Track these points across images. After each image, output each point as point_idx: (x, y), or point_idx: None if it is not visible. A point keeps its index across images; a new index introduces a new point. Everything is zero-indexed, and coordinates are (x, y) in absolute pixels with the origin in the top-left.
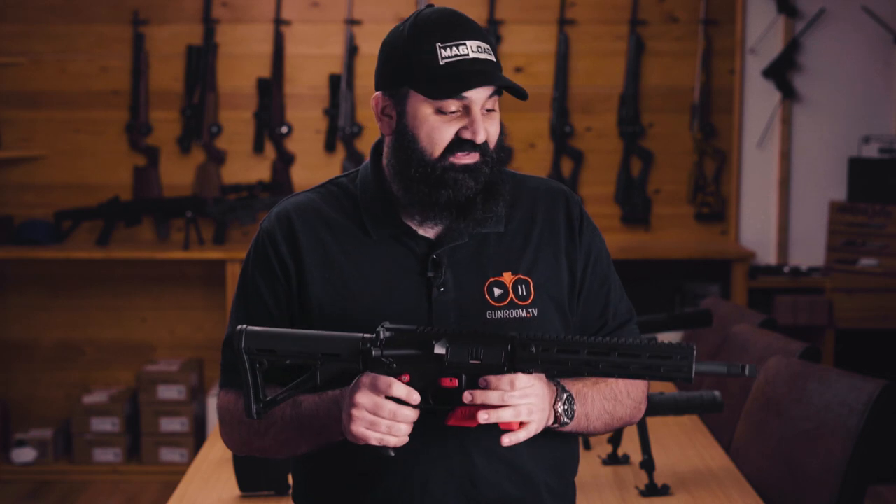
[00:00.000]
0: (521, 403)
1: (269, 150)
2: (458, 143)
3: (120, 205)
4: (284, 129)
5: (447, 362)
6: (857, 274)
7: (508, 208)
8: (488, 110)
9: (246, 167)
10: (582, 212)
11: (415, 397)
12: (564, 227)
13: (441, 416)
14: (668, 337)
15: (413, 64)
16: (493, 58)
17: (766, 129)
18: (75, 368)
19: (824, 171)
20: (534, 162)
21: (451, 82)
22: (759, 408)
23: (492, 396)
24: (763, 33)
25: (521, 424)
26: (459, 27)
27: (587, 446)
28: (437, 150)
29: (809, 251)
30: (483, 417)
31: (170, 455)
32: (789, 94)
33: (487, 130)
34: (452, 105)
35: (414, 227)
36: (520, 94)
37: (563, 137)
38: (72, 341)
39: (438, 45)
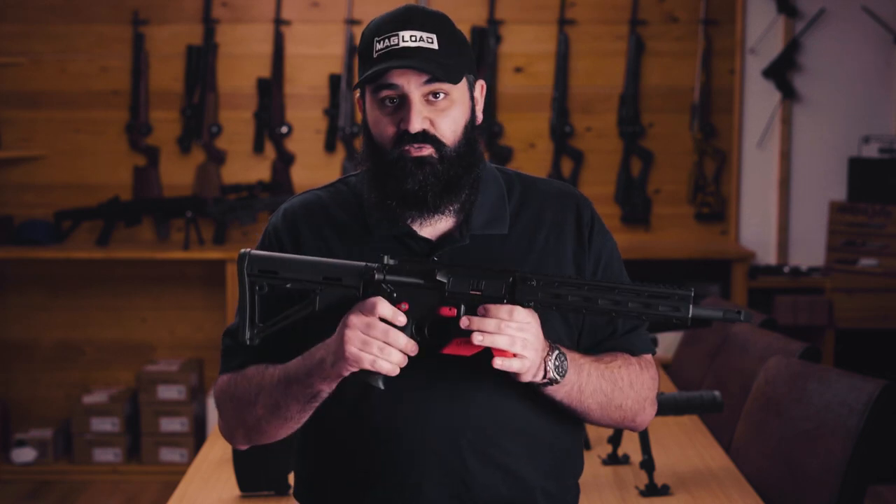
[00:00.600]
0: (516, 335)
1: (269, 150)
2: (402, 136)
3: (120, 205)
4: (284, 129)
5: (447, 291)
6: (857, 274)
7: (515, 210)
8: (434, 97)
9: (246, 167)
10: (593, 216)
11: (400, 318)
12: (573, 231)
13: (437, 348)
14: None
15: (360, 63)
16: (433, 46)
17: (766, 129)
18: (75, 368)
19: (824, 171)
20: (534, 162)
21: (370, 70)
22: (759, 408)
23: (489, 324)
24: (763, 33)
25: (516, 357)
26: (402, 20)
27: (587, 446)
28: (386, 143)
29: (809, 251)
30: (478, 339)
31: (170, 455)
32: (789, 94)
33: (433, 121)
34: (388, 94)
35: (415, 229)
36: (436, 76)
37: (563, 137)
38: (72, 341)
39: (375, 38)
